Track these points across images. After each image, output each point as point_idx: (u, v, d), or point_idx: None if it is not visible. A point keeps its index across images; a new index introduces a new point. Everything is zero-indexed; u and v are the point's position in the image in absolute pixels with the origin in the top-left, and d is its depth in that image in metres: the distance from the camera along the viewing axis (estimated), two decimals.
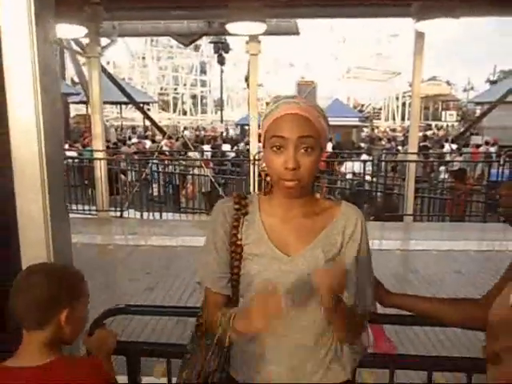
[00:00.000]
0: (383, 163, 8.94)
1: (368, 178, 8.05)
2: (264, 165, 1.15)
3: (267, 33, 7.22)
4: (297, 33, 8.15)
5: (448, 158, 12.34)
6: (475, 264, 5.34)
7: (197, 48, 45.55)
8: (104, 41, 8.36)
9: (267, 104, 1.19)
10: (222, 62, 18.88)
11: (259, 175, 1.34)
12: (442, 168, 11.88)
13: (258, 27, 6.17)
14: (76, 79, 20.94)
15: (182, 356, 1.27)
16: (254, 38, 7.22)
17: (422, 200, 8.16)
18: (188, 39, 8.63)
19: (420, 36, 6.90)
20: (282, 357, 1.15)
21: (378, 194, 8.18)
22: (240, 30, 6.20)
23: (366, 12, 7.47)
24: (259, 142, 1.20)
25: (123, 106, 30.42)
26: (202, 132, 26.50)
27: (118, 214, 7.64)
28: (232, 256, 1.18)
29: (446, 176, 10.25)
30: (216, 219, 1.21)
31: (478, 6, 6.53)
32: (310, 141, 1.09)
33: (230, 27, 6.25)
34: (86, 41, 7.76)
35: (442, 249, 5.75)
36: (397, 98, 44.69)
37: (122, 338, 1.43)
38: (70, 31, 6.36)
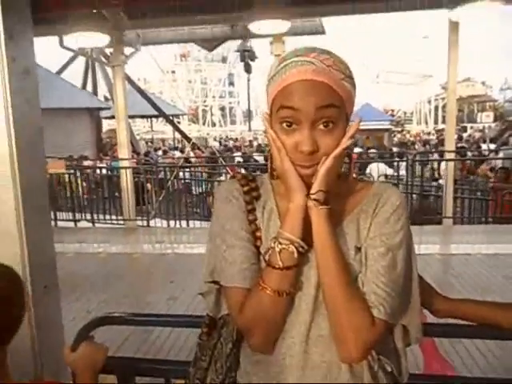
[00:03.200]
0: (418, 165, 8.52)
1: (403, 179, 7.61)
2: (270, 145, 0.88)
3: (291, 33, 7.00)
4: (322, 32, 7.88)
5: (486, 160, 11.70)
6: None
7: (224, 60, 46.02)
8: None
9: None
10: (248, 70, 18.74)
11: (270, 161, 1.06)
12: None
13: (281, 25, 5.95)
14: (108, 96, 21.50)
15: (184, 375, 1.03)
16: (278, 39, 7.03)
17: (462, 202, 7.66)
18: (212, 44, 8.53)
19: (454, 28, 6.52)
20: (302, 379, 0.88)
21: (414, 196, 7.75)
22: (263, 29, 6.00)
23: (395, 6, 7.12)
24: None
25: (154, 120, 31.06)
26: (231, 142, 26.56)
27: (145, 223, 7.54)
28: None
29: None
30: (227, 204, 0.95)
31: None
32: (332, 112, 0.82)
33: (253, 27, 6.06)
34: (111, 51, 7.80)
35: (486, 252, 5.30)
36: (429, 102, 43.52)
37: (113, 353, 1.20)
38: (92, 40, 6.34)
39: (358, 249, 0.88)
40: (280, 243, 0.84)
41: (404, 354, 0.95)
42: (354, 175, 0.98)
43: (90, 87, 20.81)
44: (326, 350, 0.87)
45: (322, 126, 0.83)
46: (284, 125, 0.84)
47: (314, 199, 0.84)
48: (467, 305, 1.06)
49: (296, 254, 0.84)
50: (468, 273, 4.66)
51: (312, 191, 0.85)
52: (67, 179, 8.51)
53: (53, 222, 7.75)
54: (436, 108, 42.34)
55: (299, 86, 0.82)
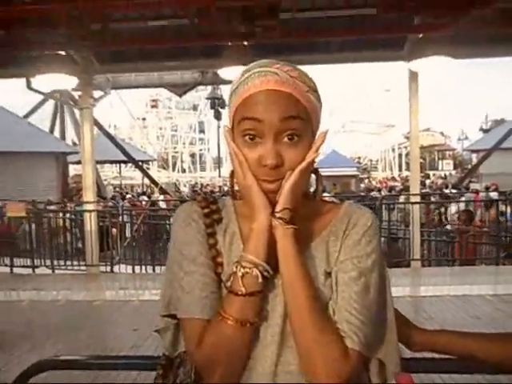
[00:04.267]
0: (384, 209, 8.67)
1: None
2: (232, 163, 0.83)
3: None
4: None
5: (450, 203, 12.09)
6: (493, 308, 4.90)
7: (195, 108, 46.84)
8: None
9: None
10: (218, 117, 19.22)
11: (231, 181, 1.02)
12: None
13: None
14: (76, 141, 21.28)
15: None
16: None
17: (428, 244, 7.78)
18: (182, 89, 8.65)
19: (414, 78, 6.88)
20: None
21: (382, 239, 7.82)
22: (233, 75, 6.12)
23: (359, 57, 7.50)
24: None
25: (123, 166, 30.77)
26: (202, 188, 26.54)
27: (109, 268, 7.23)
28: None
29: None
30: (185, 227, 0.86)
31: (471, 44, 6.55)
32: (297, 124, 0.78)
33: (223, 73, 6.19)
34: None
35: (455, 294, 5.32)
36: (393, 150, 45.26)
37: None
38: (60, 82, 6.29)
39: (328, 273, 0.82)
40: (243, 267, 0.76)
41: None
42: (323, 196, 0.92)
43: (58, 132, 20.57)
44: None
45: (286, 139, 0.78)
46: (246, 138, 0.79)
47: (279, 218, 0.78)
48: (448, 337, 0.98)
49: (260, 279, 0.76)
50: (438, 314, 4.65)
51: (277, 209, 0.78)
52: (27, 223, 8.14)
53: (8, 269, 7.32)
54: (400, 156, 44.05)
55: (262, 96, 0.78)
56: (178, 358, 0.89)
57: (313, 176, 0.87)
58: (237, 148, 0.81)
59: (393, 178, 32.29)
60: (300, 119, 0.78)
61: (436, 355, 0.99)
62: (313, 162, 0.81)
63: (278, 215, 0.78)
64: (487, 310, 4.84)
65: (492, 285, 5.64)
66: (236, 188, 0.86)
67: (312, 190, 0.89)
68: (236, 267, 0.77)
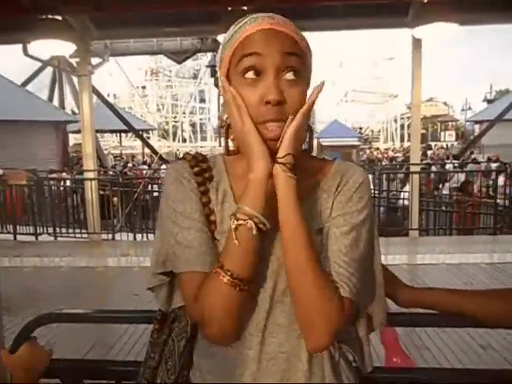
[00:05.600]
0: (384, 179, 8.68)
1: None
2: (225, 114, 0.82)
3: None
4: None
5: (451, 174, 12.08)
6: (487, 276, 4.99)
7: (195, 76, 46.12)
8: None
9: None
10: (218, 84, 18.99)
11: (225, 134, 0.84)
12: (446, 185, 11.61)
13: None
14: (76, 110, 21.04)
15: (136, 377, 0.95)
16: None
17: (427, 214, 7.83)
18: (181, 57, 8.51)
19: (417, 45, 6.75)
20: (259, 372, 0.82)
21: (382, 209, 7.87)
22: None
23: (362, 23, 7.35)
24: None
25: (123, 136, 30.56)
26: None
27: (110, 236, 7.32)
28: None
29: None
30: (177, 185, 0.85)
31: (477, 10, 6.40)
32: (296, 61, 0.77)
33: (222, 39, 6.08)
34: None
35: (450, 262, 5.40)
36: (395, 121, 44.81)
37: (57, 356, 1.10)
38: (57, 48, 6.20)
39: (320, 230, 0.83)
40: (237, 219, 0.74)
41: (367, 342, 0.90)
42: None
43: (57, 100, 20.32)
44: (284, 339, 0.82)
45: (287, 76, 0.77)
46: (248, 74, 0.77)
47: (282, 163, 0.75)
48: (437, 294, 1.02)
49: (255, 231, 0.73)
50: (433, 281, 4.73)
51: (279, 155, 0.75)
52: (28, 192, 8.19)
53: (11, 236, 7.42)
54: (402, 127, 43.66)
55: (261, 33, 0.78)
56: (172, 314, 0.92)
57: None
58: (235, 91, 0.78)
59: (404, 149, 32.04)
60: (299, 57, 0.79)
61: (421, 310, 1.03)
62: (313, 104, 0.79)
63: (280, 160, 0.75)
64: (481, 277, 4.93)
65: (488, 253, 5.71)
66: (230, 144, 0.85)
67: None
68: (231, 219, 0.76)
